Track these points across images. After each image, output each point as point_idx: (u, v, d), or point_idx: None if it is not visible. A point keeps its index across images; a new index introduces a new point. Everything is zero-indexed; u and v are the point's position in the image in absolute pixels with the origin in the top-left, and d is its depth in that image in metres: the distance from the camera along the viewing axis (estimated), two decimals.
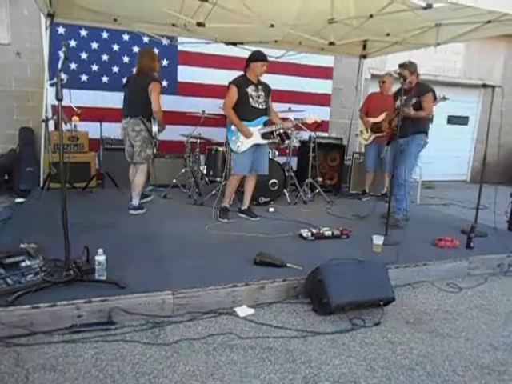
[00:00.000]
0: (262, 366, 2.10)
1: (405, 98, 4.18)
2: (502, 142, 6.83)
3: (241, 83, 4.20)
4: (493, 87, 4.05)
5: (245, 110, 4.21)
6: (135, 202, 4.42)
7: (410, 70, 4.20)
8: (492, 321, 2.74)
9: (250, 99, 4.20)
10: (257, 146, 4.30)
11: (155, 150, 4.52)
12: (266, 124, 4.28)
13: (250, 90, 4.19)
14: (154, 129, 4.32)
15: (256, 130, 4.24)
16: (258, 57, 4.16)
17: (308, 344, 2.32)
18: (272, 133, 4.39)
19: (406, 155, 4.30)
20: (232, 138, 4.29)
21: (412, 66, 4.25)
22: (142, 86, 4.22)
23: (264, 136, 4.29)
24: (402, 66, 4.23)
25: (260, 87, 4.26)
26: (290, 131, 5.49)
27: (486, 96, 9.02)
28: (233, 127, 4.24)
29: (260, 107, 4.25)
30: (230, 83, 4.24)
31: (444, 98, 4.20)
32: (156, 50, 6.42)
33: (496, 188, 4.52)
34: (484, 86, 4.32)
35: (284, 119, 4.50)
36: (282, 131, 5.44)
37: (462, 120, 9.35)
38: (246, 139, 4.21)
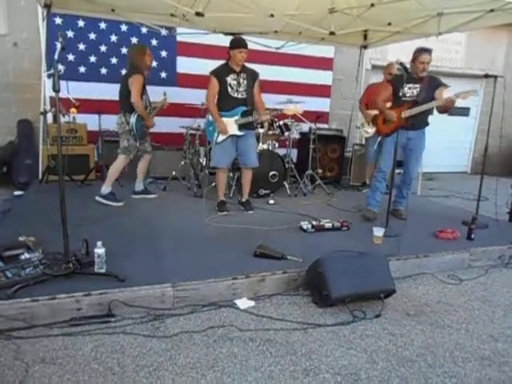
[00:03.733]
0: (263, 358, 2.10)
1: (417, 86, 4.01)
2: (503, 133, 6.80)
3: (220, 72, 4.10)
4: (495, 77, 4.00)
5: (223, 100, 4.15)
6: (103, 189, 4.41)
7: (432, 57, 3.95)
8: (493, 312, 2.73)
9: (229, 88, 4.10)
10: (238, 137, 4.22)
11: (137, 144, 4.44)
12: (243, 114, 4.16)
13: (230, 78, 4.09)
14: (132, 120, 4.30)
15: (232, 120, 4.15)
16: (234, 44, 4.04)
17: (308, 336, 2.32)
18: (252, 123, 4.26)
19: (417, 153, 4.19)
20: (209, 128, 4.29)
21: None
22: (125, 81, 4.28)
23: (241, 127, 4.18)
24: (428, 50, 3.92)
25: (242, 75, 4.12)
26: (289, 122, 5.47)
27: (488, 86, 8.94)
28: (210, 117, 4.22)
29: (239, 96, 4.13)
30: (210, 73, 4.16)
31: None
32: (155, 41, 6.42)
33: (497, 179, 4.51)
34: (486, 76, 4.26)
35: (269, 109, 4.40)
36: (281, 123, 5.43)
37: (463, 111, 9.27)
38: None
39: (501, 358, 2.21)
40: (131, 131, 4.33)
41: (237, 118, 4.15)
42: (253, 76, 4.21)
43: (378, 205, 4.27)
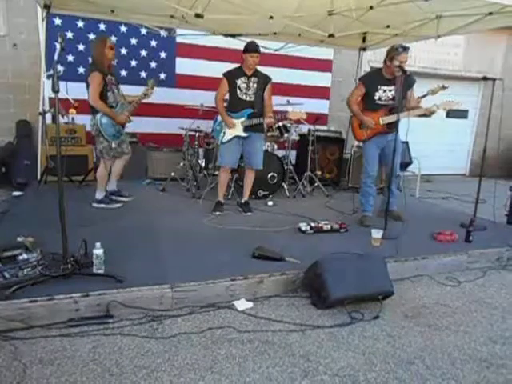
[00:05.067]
0: (261, 359, 2.10)
1: (390, 88, 3.97)
2: (501, 135, 6.79)
3: (231, 74, 4.21)
4: (493, 80, 4.01)
5: (231, 101, 4.28)
6: (96, 195, 4.38)
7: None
8: (491, 314, 2.74)
9: (238, 91, 4.20)
10: (244, 139, 4.27)
11: (112, 144, 4.21)
12: (250, 117, 4.22)
13: (240, 81, 4.19)
14: (97, 118, 4.06)
15: (239, 122, 4.23)
16: (246, 48, 4.14)
17: (307, 338, 2.32)
18: (256, 125, 4.26)
19: (397, 151, 4.09)
20: (217, 128, 4.39)
21: None
22: (87, 79, 4.04)
23: (246, 129, 4.24)
24: (406, 49, 3.82)
25: (253, 79, 4.21)
26: (289, 124, 5.48)
27: (486, 89, 8.98)
28: (219, 118, 4.31)
29: (247, 99, 4.22)
30: (222, 74, 4.27)
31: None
32: (154, 42, 6.43)
33: (495, 182, 4.52)
34: (484, 78, 4.27)
35: (276, 113, 4.38)
36: (280, 124, 5.44)
37: (461, 113, 9.29)
38: (229, 130, 4.24)
39: (499, 361, 2.21)
40: (100, 133, 4.13)
41: (243, 119, 4.23)
42: (264, 81, 4.29)
43: (372, 209, 4.28)
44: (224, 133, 4.26)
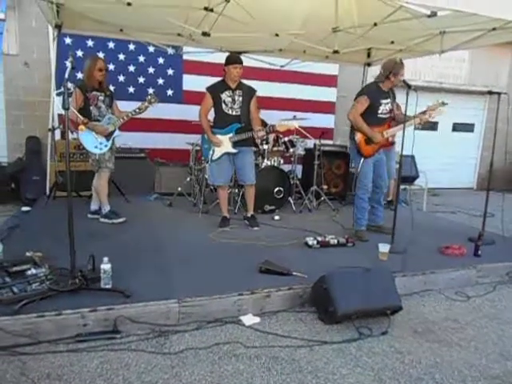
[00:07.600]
0: (268, 375, 2.08)
1: (387, 102, 3.99)
2: (508, 148, 6.78)
3: (215, 89, 4.14)
4: (498, 94, 4.03)
5: (217, 117, 4.19)
6: (102, 210, 4.41)
7: None
8: (502, 330, 2.70)
9: (223, 105, 4.11)
10: (234, 154, 4.20)
11: (97, 156, 4.17)
12: (237, 131, 4.14)
13: (225, 95, 4.10)
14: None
15: (227, 138, 4.14)
16: (229, 60, 4.07)
17: (314, 353, 2.30)
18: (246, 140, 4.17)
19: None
20: (205, 146, 4.31)
21: None
22: None
23: (236, 144, 4.16)
24: (402, 63, 3.91)
25: (238, 92, 4.12)
26: (294, 139, 5.51)
27: (492, 103, 8.99)
28: (206, 136, 4.23)
29: (234, 114, 4.13)
30: (206, 89, 4.21)
31: (443, 103, 3.93)
32: (161, 60, 6.55)
33: (503, 195, 4.49)
34: (489, 92, 4.29)
35: (266, 125, 4.35)
36: (286, 139, 5.48)
37: (467, 127, 9.32)
38: (218, 147, 4.16)
39: (511, 378, 2.17)
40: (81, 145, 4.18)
41: (231, 135, 4.15)
42: (249, 93, 4.20)
43: (366, 223, 4.27)
44: (213, 151, 4.16)
